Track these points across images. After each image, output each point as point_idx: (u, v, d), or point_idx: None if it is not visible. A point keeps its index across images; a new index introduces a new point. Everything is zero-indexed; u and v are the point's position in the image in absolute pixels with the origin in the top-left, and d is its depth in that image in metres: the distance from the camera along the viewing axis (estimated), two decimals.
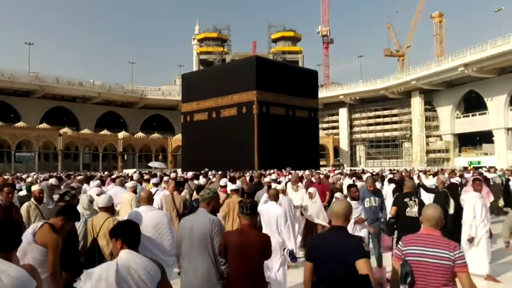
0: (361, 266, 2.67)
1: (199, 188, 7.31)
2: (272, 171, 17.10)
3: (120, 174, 22.49)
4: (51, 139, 52.96)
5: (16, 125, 52.29)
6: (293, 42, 78.79)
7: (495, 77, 48.36)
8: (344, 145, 67.91)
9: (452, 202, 7.14)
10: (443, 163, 54.48)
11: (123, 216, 5.99)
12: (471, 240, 6.17)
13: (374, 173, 16.94)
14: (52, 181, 8.49)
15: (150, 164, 46.24)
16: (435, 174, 14.00)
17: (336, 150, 66.65)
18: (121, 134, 61.32)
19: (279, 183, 8.96)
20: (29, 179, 13.34)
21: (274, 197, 5.80)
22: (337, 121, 69.85)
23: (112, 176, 15.06)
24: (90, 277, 2.42)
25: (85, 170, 45.21)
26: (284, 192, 7.17)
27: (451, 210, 6.91)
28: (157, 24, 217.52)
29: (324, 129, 66.85)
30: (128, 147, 62.58)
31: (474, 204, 6.27)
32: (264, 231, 5.51)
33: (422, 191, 9.62)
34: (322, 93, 59.22)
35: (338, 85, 70.40)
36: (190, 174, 12.43)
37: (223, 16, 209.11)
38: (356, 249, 2.75)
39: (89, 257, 4.04)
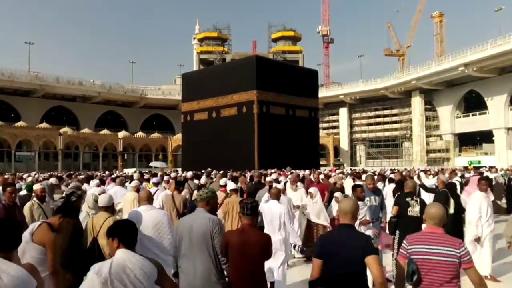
0: (371, 262, 2.73)
1: (201, 187, 7.32)
2: (272, 171, 17.09)
3: (121, 173, 22.50)
4: (51, 138, 52.97)
5: (16, 124, 52.31)
6: (293, 41, 78.76)
7: (496, 77, 48.35)
8: (344, 144, 67.92)
9: (452, 201, 7.15)
10: (443, 163, 54.49)
11: (126, 215, 6.00)
12: (477, 240, 6.13)
13: (375, 173, 16.92)
14: (52, 180, 8.48)
15: (151, 164, 46.34)
16: (436, 174, 14.00)
17: (336, 150, 66.66)
18: (121, 134, 61.34)
19: (279, 182, 8.97)
20: (29, 179, 13.35)
21: (276, 196, 5.85)
22: (337, 120, 69.87)
23: (112, 176, 15.07)
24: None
25: (85, 170, 45.25)
26: (283, 191, 7.19)
27: (451, 210, 6.92)
28: (157, 24, 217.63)
29: (324, 128, 66.88)
30: (128, 147, 62.60)
31: (479, 204, 6.24)
32: (266, 229, 5.56)
33: (421, 191, 9.61)
34: (322, 93, 59.22)
35: (338, 85, 70.38)
36: (189, 173, 12.41)
37: (223, 15, 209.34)
38: (366, 246, 2.80)
39: (89, 257, 4.04)
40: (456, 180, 11.39)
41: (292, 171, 16.22)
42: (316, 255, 2.96)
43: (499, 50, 43.25)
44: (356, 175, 12.34)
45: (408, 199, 5.79)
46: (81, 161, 56.68)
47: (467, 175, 15.24)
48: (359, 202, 5.67)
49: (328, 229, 7.18)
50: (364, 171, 16.93)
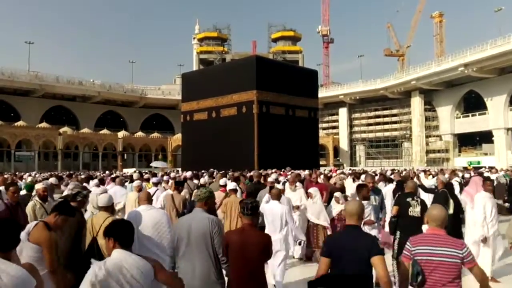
0: (377, 263, 2.81)
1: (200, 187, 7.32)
2: (272, 171, 17.08)
3: (122, 173, 22.50)
4: (51, 138, 52.95)
5: (16, 124, 52.29)
6: (293, 41, 78.76)
7: (495, 77, 48.37)
8: (344, 145, 67.94)
9: (451, 202, 7.14)
10: (443, 163, 54.51)
11: None
12: (484, 241, 6.11)
13: (376, 173, 16.92)
14: (52, 180, 8.47)
15: (152, 164, 46.38)
16: (436, 175, 14.01)
17: (336, 150, 66.69)
18: (121, 134, 61.32)
19: (279, 183, 8.96)
20: (29, 178, 13.36)
21: (277, 196, 5.90)
22: (337, 120, 69.90)
23: (112, 176, 15.06)
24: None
25: (84, 170, 45.25)
26: (283, 192, 7.18)
27: (451, 210, 6.90)
28: (157, 24, 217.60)
29: (324, 128, 66.89)
30: (128, 147, 62.58)
31: (484, 204, 6.22)
32: (267, 229, 5.59)
33: (420, 191, 9.59)
34: (322, 93, 59.21)
35: (338, 85, 70.42)
36: (189, 173, 12.41)
37: (223, 15, 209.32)
38: (372, 247, 2.89)
39: (89, 256, 4.04)
40: (456, 180, 11.40)
41: (292, 171, 16.21)
42: (324, 254, 3.05)
43: (498, 51, 43.26)
44: (356, 175, 12.34)
45: (409, 199, 5.78)
46: (81, 161, 56.66)
47: (466, 175, 15.26)
48: (364, 202, 5.71)
49: (328, 230, 7.17)
50: (365, 171, 16.93)
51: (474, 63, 46.51)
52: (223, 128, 30.97)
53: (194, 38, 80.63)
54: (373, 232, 5.94)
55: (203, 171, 17.97)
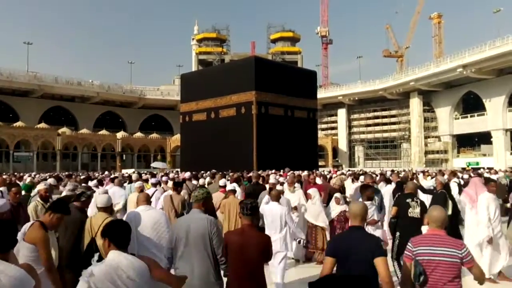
0: (379, 264, 2.88)
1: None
2: (271, 172, 17.06)
3: (122, 174, 22.49)
4: (49, 139, 52.87)
5: (14, 124, 52.22)
6: (292, 42, 78.83)
7: (494, 78, 48.46)
8: (342, 145, 67.99)
9: (450, 203, 7.14)
10: (442, 164, 54.60)
11: None
12: (490, 241, 6.09)
13: (376, 174, 16.93)
14: (51, 181, 8.47)
15: (152, 164, 46.36)
16: (435, 176, 14.03)
17: (335, 151, 66.74)
18: (120, 134, 61.25)
19: (281, 184, 8.94)
20: (28, 179, 13.32)
21: (276, 197, 5.95)
22: (336, 121, 69.97)
23: (112, 176, 15.04)
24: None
25: (83, 170, 45.18)
26: (282, 193, 7.19)
27: (449, 211, 6.91)
28: (156, 24, 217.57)
29: (323, 129, 66.91)
30: (127, 147, 62.53)
31: (488, 205, 6.21)
32: (267, 230, 5.60)
33: (419, 192, 9.59)
34: (321, 94, 59.23)
35: (337, 86, 70.51)
36: (187, 174, 12.39)
37: (222, 16, 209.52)
38: (375, 248, 2.96)
39: (87, 257, 4.04)
40: (455, 181, 11.41)
41: (291, 172, 16.19)
42: (329, 254, 3.11)
43: (497, 52, 43.34)
44: (355, 176, 12.37)
45: (408, 200, 5.78)
46: (80, 162, 56.57)
47: (465, 176, 15.28)
48: (367, 202, 5.73)
49: (326, 232, 7.16)
50: (364, 172, 16.96)
51: (472, 64, 46.60)
52: (222, 129, 30.96)
53: (193, 39, 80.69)
54: (377, 233, 5.94)
55: (202, 171, 17.95)
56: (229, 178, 11.22)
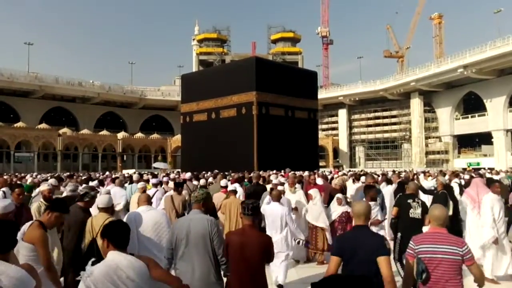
0: (382, 263, 2.92)
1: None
2: (271, 172, 17.05)
3: (123, 174, 22.48)
4: (50, 139, 52.90)
5: (15, 125, 52.23)
6: (293, 43, 78.80)
7: (494, 79, 48.43)
8: (343, 146, 67.95)
9: (451, 203, 7.14)
10: (442, 164, 54.55)
11: None
12: (496, 242, 6.07)
13: (378, 174, 16.94)
14: (52, 181, 8.47)
15: (154, 164, 46.37)
16: (436, 176, 14.03)
17: (336, 151, 66.70)
18: (121, 135, 61.26)
19: (282, 185, 8.94)
20: (29, 180, 13.35)
21: (277, 198, 5.98)
22: (336, 122, 69.92)
23: (113, 176, 15.05)
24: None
25: (84, 171, 45.19)
26: (283, 193, 7.18)
27: (450, 212, 6.90)
28: (156, 25, 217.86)
29: (323, 130, 66.89)
30: (128, 148, 62.54)
31: (492, 206, 6.20)
32: (268, 230, 5.60)
33: (420, 192, 9.58)
34: (322, 94, 59.23)
35: (337, 86, 70.44)
36: (188, 174, 12.40)
37: (222, 16, 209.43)
38: (379, 247, 3.00)
39: (88, 257, 4.04)
40: (456, 182, 11.40)
41: (292, 172, 16.17)
42: (334, 253, 3.14)
43: (498, 52, 43.31)
44: (356, 177, 12.36)
45: (409, 200, 5.77)
46: (80, 162, 56.58)
47: (466, 176, 15.26)
48: (371, 202, 5.74)
49: (327, 232, 7.14)
50: (365, 173, 16.97)
51: (473, 65, 46.56)
52: (222, 129, 30.96)
53: (193, 39, 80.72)
54: (382, 233, 5.94)
55: (203, 172, 17.95)
56: (230, 179, 11.21)
